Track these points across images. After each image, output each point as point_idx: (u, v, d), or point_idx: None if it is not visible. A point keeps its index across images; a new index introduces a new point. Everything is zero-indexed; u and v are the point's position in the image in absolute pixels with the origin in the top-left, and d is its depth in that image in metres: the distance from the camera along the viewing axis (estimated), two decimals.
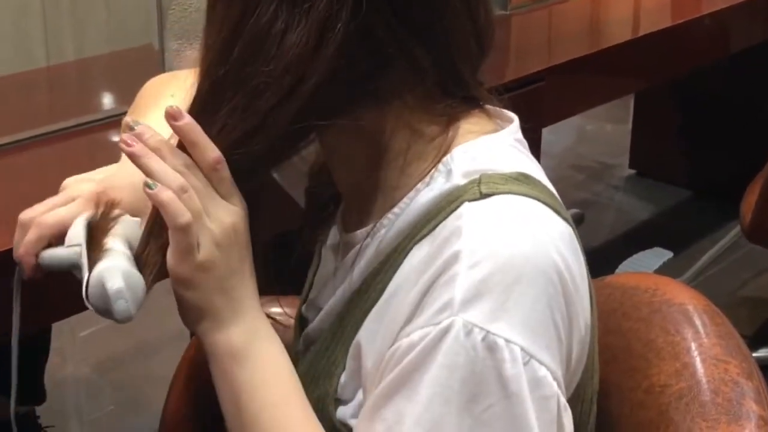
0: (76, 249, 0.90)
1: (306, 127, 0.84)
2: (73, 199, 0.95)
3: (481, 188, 0.81)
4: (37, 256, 0.93)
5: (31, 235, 0.93)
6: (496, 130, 0.88)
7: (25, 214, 0.95)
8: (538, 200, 0.82)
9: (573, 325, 0.82)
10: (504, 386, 0.76)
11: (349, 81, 0.82)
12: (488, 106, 0.90)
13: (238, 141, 0.84)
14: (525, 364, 0.77)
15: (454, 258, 0.78)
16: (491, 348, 0.76)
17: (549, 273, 0.79)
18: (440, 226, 0.82)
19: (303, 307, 1.04)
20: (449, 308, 0.77)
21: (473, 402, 0.76)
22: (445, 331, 0.76)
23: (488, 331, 0.76)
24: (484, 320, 0.76)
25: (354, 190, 0.93)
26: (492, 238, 0.78)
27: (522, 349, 0.76)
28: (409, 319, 0.80)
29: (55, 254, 0.92)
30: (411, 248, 0.84)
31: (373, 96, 0.84)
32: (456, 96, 0.87)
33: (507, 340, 0.76)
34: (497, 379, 0.76)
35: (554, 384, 0.79)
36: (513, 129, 0.90)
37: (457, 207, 0.81)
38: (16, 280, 0.96)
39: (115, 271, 0.86)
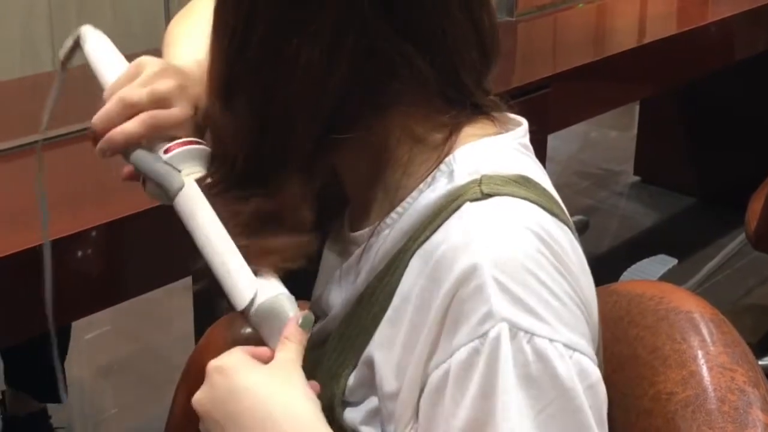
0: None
1: (329, 144, 0.86)
2: (166, 100, 0.95)
3: (482, 188, 0.82)
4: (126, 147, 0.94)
5: (137, 129, 0.93)
6: (498, 134, 0.89)
7: (131, 94, 0.95)
8: (537, 204, 0.83)
9: (588, 306, 0.84)
10: (557, 385, 0.77)
11: (359, 95, 0.84)
12: (495, 114, 0.90)
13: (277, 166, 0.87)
14: (570, 357, 0.78)
15: (473, 268, 0.78)
16: (538, 351, 0.77)
17: (558, 267, 0.80)
18: (443, 227, 0.82)
19: (310, 307, 1.04)
20: (490, 318, 0.77)
21: (530, 406, 0.77)
22: (497, 341, 0.77)
23: (533, 334, 0.77)
24: (527, 324, 0.77)
25: (359, 193, 0.93)
26: (502, 243, 0.79)
27: (564, 345, 0.78)
28: (437, 338, 0.80)
29: (147, 161, 0.94)
30: (415, 250, 0.84)
31: (378, 107, 0.86)
32: (460, 105, 0.88)
33: (551, 340, 0.77)
34: (550, 379, 0.77)
35: (596, 369, 0.80)
36: (519, 133, 0.90)
37: (459, 207, 0.82)
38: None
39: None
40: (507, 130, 0.90)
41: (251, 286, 0.87)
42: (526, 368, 0.77)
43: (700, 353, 0.96)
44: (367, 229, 0.91)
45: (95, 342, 2.71)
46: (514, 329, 0.77)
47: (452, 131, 0.87)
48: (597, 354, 0.88)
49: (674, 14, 2.76)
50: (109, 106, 0.95)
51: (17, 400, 2.19)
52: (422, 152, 0.87)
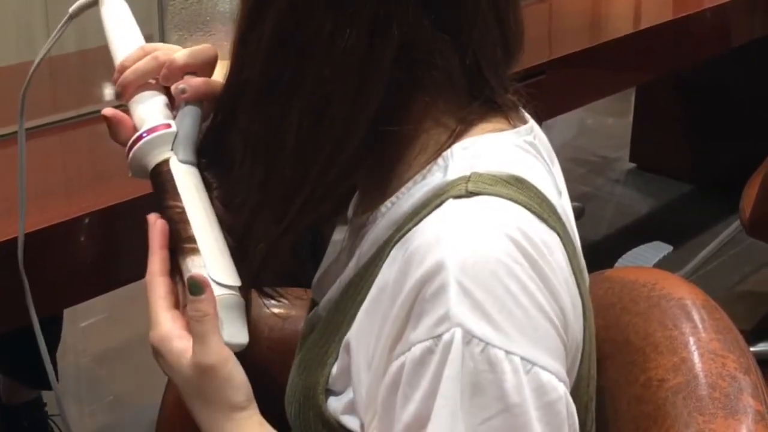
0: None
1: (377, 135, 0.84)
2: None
3: (468, 186, 0.81)
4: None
5: (166, 71, 0.96)
6: (503, 130, 0.87)
7: (164, 54, 0.98)
8: (525, 206, 0.81)
9: (566, 316, 0.81)
10: (503, 398, 0.76)
11: (401, 85, 0.83)
12: (510, 112, 0.89)
13: (326, 155, 0.84)
14: (527, 373, 0.76)
15: (439, 267, 0.77)
16: (491, 361, 0.75)
17: (532, 275, 0.78)
18: (423, 221, 0.81)
19: (312, 291, 1.04)
20: (446, 320, 0.76)
21: (471, 414, 0.76)
22: (449, 345, 0.76)
23: (487, 343, 0.75)
24: (482, 332, 0.75)
25: (367, 177, 0.92)
26: (475, 245, 0.77)
27: (522, 358, 0.76)
28: (401, 331, 0.79)
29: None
30: (397, 241, 0.84)
31: (409, 99, 0.85)
32: (479, 101, 0.87)
33: (507, 352, 0.76)
34: (497, 391, 0.76)
35: (560, 386, 0.78)
36: (525, 129, 0.89)
37: (443, 202, 0.81)
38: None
39: None
40: (515, 127, 0.89)
41: (235, 276, 0.89)
42: (474, 377, 0.75)
43: (691, 340, 0.96)
44: (363, 216, 0.91)
45: (90, 329, 2.71)
46: (468, 335, 0.75)
47: (459, 125, 0.86)
48: (585, 359, 0.87)
49: (670, 0, 2.75)
50: (142, 62, 0.97)
51: (12, 389, 2.20)
52: (432, 143, 0.86)
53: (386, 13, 0.80)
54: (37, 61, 1.06)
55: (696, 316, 0.98)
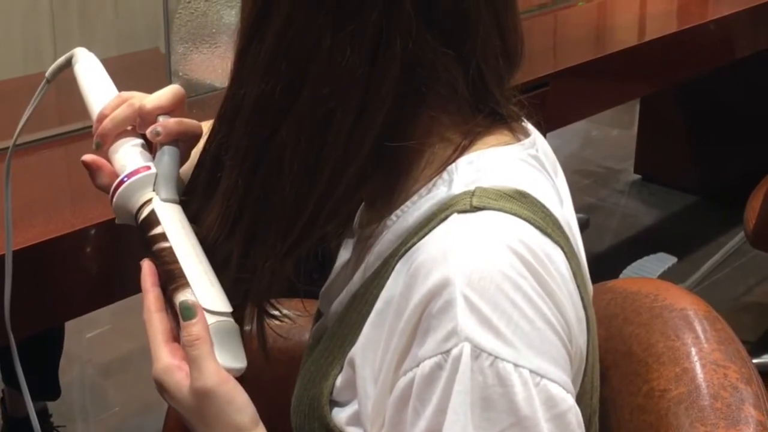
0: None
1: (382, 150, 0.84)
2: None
3: (473, 200, 0.81)
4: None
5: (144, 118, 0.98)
6: (509, 143, 0.87)
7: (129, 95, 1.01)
8: (529, 221, 0.81)
9: (571, 328, 0.82)
10: (514, 411, 0.76)
11: (407, 101, 0.83)
12: (513, 123, 0.89)
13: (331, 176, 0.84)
14: (536, 385, 0.76)
15: (446, 282, 0.77)
16: (500, 375, 0.76)
17: (537, 289, 0.78)
18: (428, 235, 0.81)
19: (319, 302, 1.04)
20: (455, 335, 0.76)
21: (482, 428, 0.76)
22: (458, 359, 0.76)
23: (496, 357, 0.76)
24: (491, 346, 0.76)
25: (372, 190, 0.92)
26: (480, 260, 0.77)
27: (531, 371, 0.76)
28: (407, 346, 0.79)
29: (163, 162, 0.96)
30: (403, 254, 0.84)
31: (413, 114, 0.84)
32: (484, 113, 0.87)
33: (516, 365, 0.76)
34: (508, 405, 0.76)
35: (568, 397, 0.79)
36: (529, 142, 0.89)
37: (447, 217, 0.81)
38: None
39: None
40: (519, 141, 0.89)
41: (226, 302, 0.89)
42: (485, 391, 0.76)
43: (693, 350, 0.96)
44: (369, 228, 0.91)
45: (96, 340, 2.72)
46: (477, 350, 0.75)
47: (464, 139, 0.86)
48: (588, 371, 0.87)
49: (674, 12, 2.76)
50: (119, 111, 0.99)
51: (17, 401, 2.20)
52: (437, 158, 0.86)
53: (389, 29, 0.80)
54: (21, 124, 1.09)
55: (698, 327, 0.98)
